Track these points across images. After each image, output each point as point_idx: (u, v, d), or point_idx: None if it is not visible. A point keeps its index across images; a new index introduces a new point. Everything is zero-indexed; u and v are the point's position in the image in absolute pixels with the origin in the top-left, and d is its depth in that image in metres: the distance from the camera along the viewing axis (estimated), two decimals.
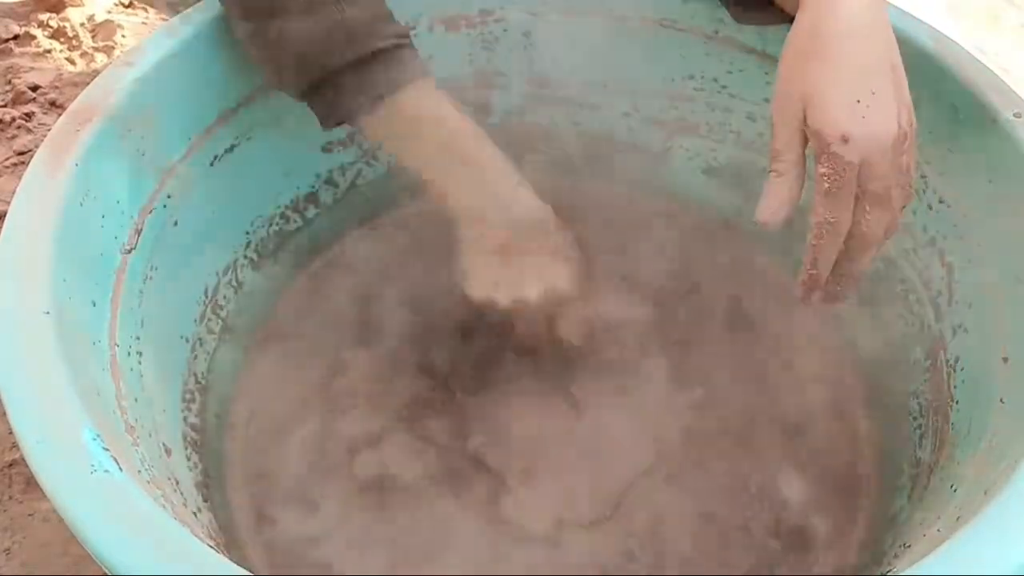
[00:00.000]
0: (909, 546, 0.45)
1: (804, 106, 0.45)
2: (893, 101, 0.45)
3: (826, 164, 0.44)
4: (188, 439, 0.54)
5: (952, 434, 0.50)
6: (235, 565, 0.34)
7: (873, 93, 0.44)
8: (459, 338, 0.64)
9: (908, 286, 0.59)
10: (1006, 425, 0.44)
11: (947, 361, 0.53)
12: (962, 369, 0.51)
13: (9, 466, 0.63)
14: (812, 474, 0.59)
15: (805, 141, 0.45)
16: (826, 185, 0.44)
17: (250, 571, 0.33)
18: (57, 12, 0.98)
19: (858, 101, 0.44)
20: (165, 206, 0.54)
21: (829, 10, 0.46)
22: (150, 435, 0.47)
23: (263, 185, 0.64)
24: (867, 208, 0.45)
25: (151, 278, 0.52)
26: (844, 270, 0.47)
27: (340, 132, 0.67)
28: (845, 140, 0.43)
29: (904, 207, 0.48)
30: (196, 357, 0.58)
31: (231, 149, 0.59)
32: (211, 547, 0.34)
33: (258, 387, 0.62)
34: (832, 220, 0.44)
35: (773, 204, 0.46)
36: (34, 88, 0.89)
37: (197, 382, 0.58)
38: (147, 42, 0.53)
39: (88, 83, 0.51)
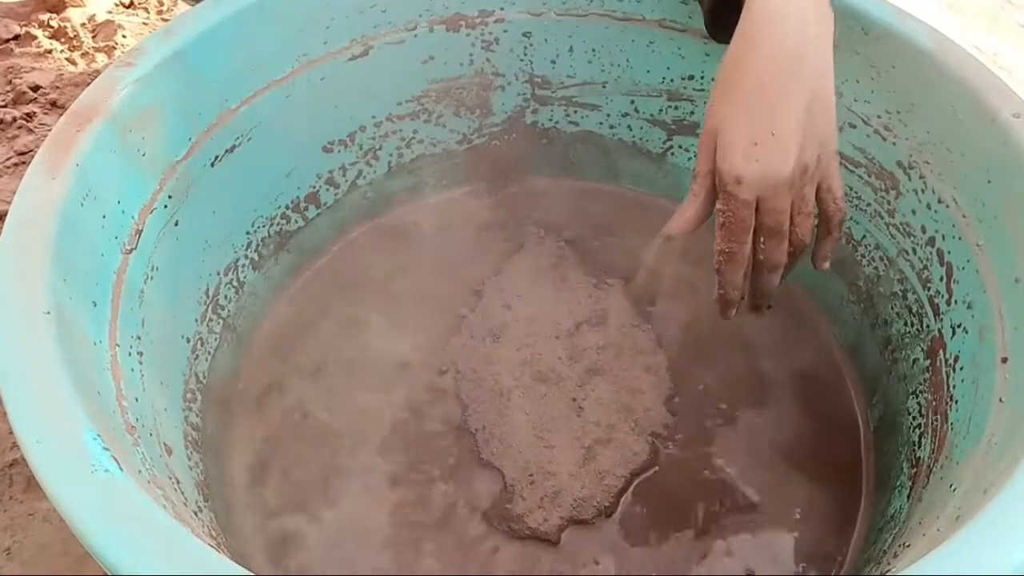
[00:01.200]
0: (909, 546, 0.45)
1: (715, 141, 0.48)
2: (794, 140, 0.46)
3: (722, 201, 0.48)
4: (189, 439, 0.54)
5: (951, 434, 0.50)
6: (235, 565, 0.34)
7: (773, 134, 0.46)
8: (462, 337, 0.64)
9: (907, 286, 0.59)
10: (1005, 425, 0.44)
11: (947, 361, 0.53)
12: (961, 369, 0.51)
13: (9, 466, 0.63)
14: (812, 474, 0.59)
15: None
16: (721, 219, 0.48)
17: (250, 571, 0.33)
18: (58, 12, 0.98)
19: (755, 144, 0.46)
20: (166, 206, 0.54)
21: (752, 43, 0.47)
22: (151, 435, 0.47)
23: (264, 185, 0.64)
24: (763, 239, 0.49)
25: (152, 278, 0.52)
26: (756, 288, 0.52)
27: (340, 132, 0.67)
28: (738, 182, 0.47)
29: (840, 222, 0.51)
30: (197, 357, 0.59)
31: (232, 149, 0.59)
32: (211, 547, 0.34)
33: (259, 386, 0.63)
34: (728, 250, 0.49)
35: (679, 221, 0.51)
36: (35, 88, 0.89)
37: (199, 382, 0.58)
38: (147, 42, 0.53)
39: (89, 83, 0.51)
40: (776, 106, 0.46)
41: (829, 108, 0.48)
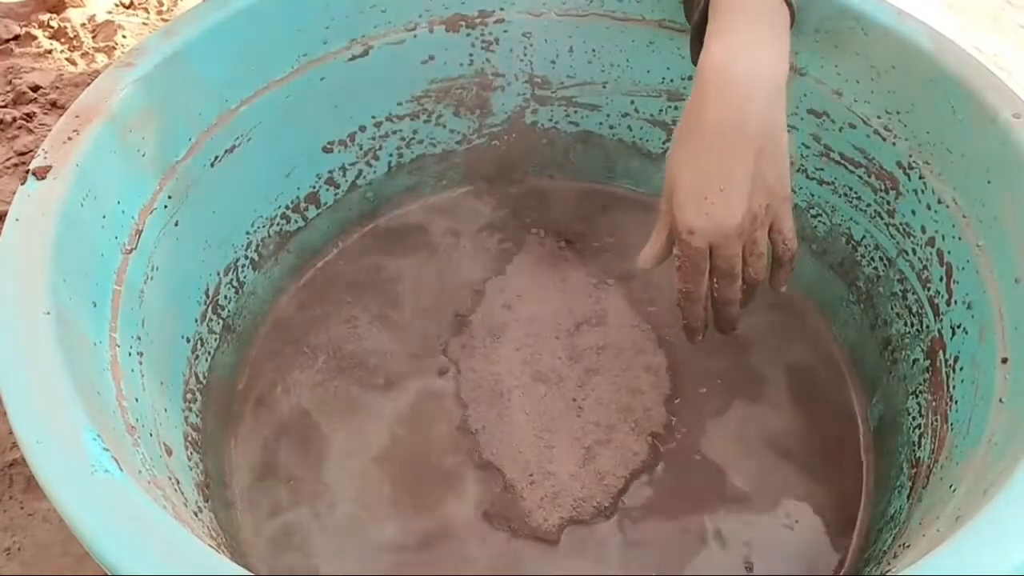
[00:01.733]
0: (909, 546, 0.45)
1: (672, 189, 0.51)
2: (742, 192, 0.49)
3: (678, 247, 0.52)
4: (189, 439, 0.54)
5: (951, 434, 0.50)
6: (235, 565, 0.34)
7: (721, 190, 0.49)
8: (462, 337, 0.64)
9: (907, 286, 0.59)
10: (1005, 425, 0.44)
11: (947, 361, 0.53)
12: (961, 369, 0.51)
13: (9, 466, 0.63)
14: (812, 474, 0.59)
15: None
16: (677, 263, 0.53)
17: (250, 571, 0.33)
18: (58, 12, 0.98)
19: (705, 198, 0.49)
20: (166, 206, 0.54)
21: (704, 97, 0.49)
22: (151, 435, 0.47)
23: (264, 185, 0.64)
24: (716, 279, 0.53)
25: (152, 278, 0.52)
26: (717, 318, 0.57)
27: (340, 132, 0.67)
28: (691, 232, 0.51)
29: (790, 259, 0.55)
30: (197, 357, 0.59)
31: (232, 149, 0.59)
32: (211, 547, 0.34)
33: (259, 387, 0.63)
34: (685, 289, 0.54)
35: (645, 256, 0.55)
36: (35, 88, 0.89)
37: (199, 382, 0.58)
38: (147, 42, 0.53)
39: (89, 83, 0.51)
40: (724, 161, 0.49)
41: (779, 156, 0.50)
